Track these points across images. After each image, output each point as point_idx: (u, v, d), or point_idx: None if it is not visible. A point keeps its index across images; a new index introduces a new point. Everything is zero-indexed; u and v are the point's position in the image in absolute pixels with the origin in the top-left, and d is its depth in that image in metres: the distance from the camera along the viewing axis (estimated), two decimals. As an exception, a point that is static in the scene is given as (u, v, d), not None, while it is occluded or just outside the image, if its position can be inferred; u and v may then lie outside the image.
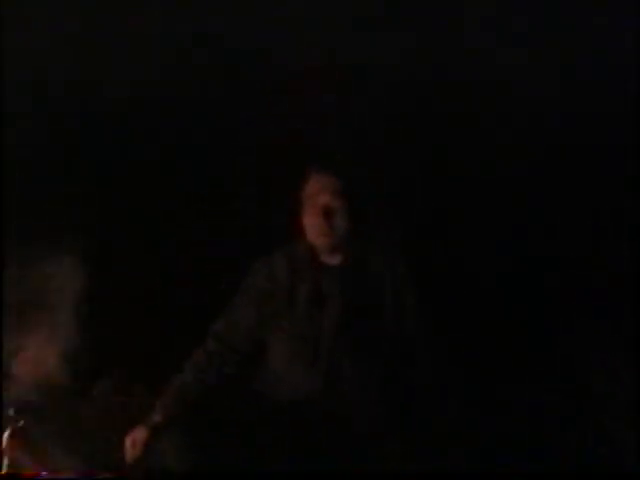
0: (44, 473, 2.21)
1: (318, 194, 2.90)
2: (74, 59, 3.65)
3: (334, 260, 2.97)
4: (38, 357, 2.75)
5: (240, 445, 2.76)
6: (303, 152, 3.31)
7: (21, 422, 2.58)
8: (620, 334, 2.98)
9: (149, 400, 2.93)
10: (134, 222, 3.76)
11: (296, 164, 3.00)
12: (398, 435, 2.83)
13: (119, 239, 3.73)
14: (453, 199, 3.75)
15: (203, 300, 3.33)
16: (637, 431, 2.48)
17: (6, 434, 2.52)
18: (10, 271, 2.87)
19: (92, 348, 2.84)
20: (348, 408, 2.88)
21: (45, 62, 3.58)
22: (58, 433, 2.64)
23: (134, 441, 2.82)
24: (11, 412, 2.62)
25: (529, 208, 3.69)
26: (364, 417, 2.88)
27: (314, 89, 3.73)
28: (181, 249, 3.78)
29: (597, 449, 2.53)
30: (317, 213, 2.90)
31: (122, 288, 3.68)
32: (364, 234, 2.95)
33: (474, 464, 2.76)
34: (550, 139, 3.68)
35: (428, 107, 3.78)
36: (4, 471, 2.36)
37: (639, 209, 3.26)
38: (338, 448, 2.82)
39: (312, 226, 2.92)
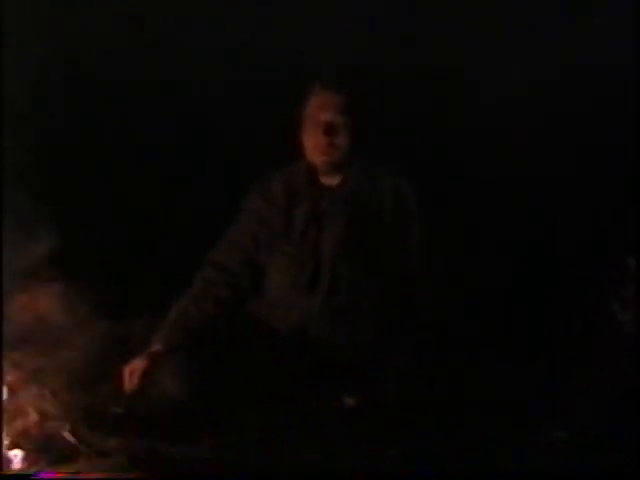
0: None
1: (320, 111, 2.83)
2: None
3: (333, 181, 2.90)
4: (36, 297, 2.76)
5: (238, 371, 2.74)
6: (304, 70, 3.23)
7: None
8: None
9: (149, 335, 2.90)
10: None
11: (297, 82, 2.94)
12: (389, 365, 2.79)
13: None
14: (457, 117, 3.67)
15: (203, 230, 3.22)
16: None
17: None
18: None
19: (91, 287, 2.85)
20: (343, 333, 2.84)
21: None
22: (58, 369, 2.64)
23: (132, 370, 2.79)
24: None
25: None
26: (358, 344, 2.83)
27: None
28: (181, 173, 3.75)
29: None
30: (318, 131, 2.82)
31: (122, 217, 3.66)
32: (365, 154, 2.88)
33: (469, 397, 2.73)
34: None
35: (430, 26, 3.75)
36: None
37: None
38: (331, 373, 2.80)
39: (312, 144, 2.85)
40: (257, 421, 2.66)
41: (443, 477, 2.40)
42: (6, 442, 2.42)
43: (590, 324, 2.98)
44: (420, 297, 2.87)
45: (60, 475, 2.27)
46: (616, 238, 3.05)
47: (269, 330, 2.89)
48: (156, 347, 2.85)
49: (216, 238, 3.01)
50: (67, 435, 2.54)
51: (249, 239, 2.95)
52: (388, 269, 2.88)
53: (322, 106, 2.84)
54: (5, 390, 2.54)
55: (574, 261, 3.42)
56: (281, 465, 2.46)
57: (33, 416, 2.55)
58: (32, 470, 2.36)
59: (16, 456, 2.39)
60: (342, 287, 2.85)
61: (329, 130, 2.82)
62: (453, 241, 2.97)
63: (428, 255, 2.88)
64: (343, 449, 2.53)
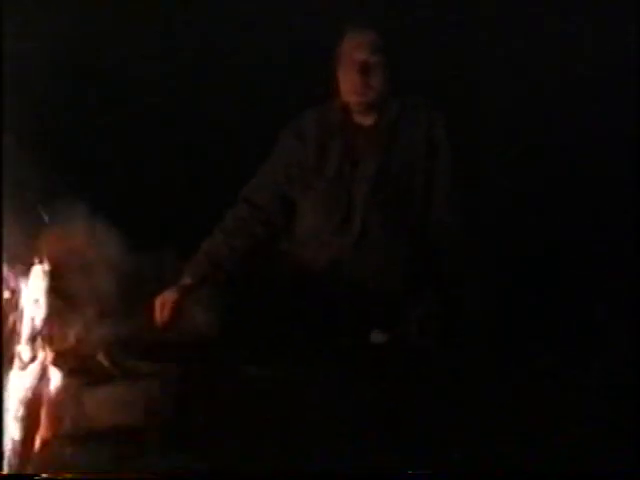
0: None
1: (355, 50, 2.82)
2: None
3: (368, 120, 2.91)
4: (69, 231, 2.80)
5: (269, 307, 2.78)
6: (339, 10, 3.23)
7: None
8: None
9: (180, 265, 2.94)
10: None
11: (330, 22, 2.96)
12: (419, 307, 2.83)
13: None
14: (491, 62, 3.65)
15: (235, 163, 3.31)
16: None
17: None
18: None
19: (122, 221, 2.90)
20: (378, 274, 2.87)
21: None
22: (92, 299, 2.69)
23: (163, 302, 2.84)
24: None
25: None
26: (388, 284, 2.86)
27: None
28: (214, 109, 3.71)
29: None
30: (353, 70, 2.82)
31: (154, 152, 3.66)
32: (400, 94, 2.88)
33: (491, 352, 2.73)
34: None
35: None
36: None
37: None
38: (361, 311, 2.83)
39: (347, 83, 2.85)
40: (289, 354, 2.69)
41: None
42: (47, 361, 2.47)
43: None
44: (447, 246, 2.90)
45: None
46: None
47: (300, 267, 2.92)
48: (187, 280, 2.89)
49: (250, 174, 3.02)
50: (101, 358, 2.61)
51: (282, 176, 2.97)
52: (420, 211, 2.90)
53: (356, 45, 2.84)
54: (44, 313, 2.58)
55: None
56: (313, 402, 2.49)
57: (70, 339, 2.60)
58: (69, 391, 2.41)
59: (54, 375, 2.44)
60: (374, 226, 2.87)
61: (364, 69, 2.82)
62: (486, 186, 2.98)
63: (457, 199, 2.91)
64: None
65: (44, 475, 2.16)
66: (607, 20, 3.48)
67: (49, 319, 2.52)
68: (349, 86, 2.86)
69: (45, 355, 2.37)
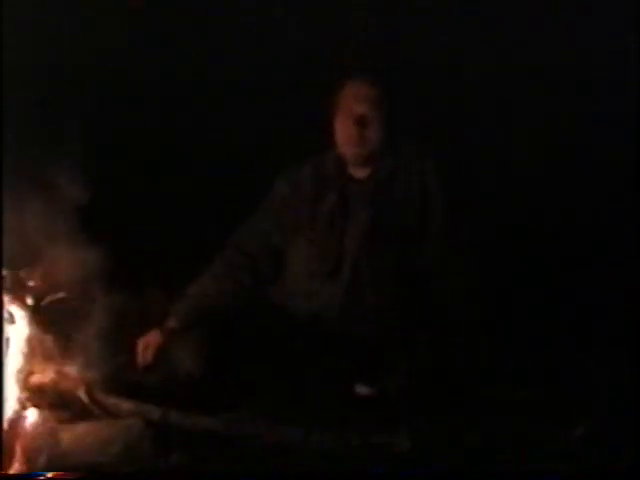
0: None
1: (353, 103, 2.84)
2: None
3: (363, 173, 2.91)
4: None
5: (254, 355, 2.74)
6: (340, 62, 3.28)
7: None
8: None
9: (165, 306, 2.93)
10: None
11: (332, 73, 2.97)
12: (413, 356, 2.79)
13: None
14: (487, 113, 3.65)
15: (226, 209, 3.29)
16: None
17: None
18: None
19: (105, 254, 2.86)
20: (366, 325, 2.83)
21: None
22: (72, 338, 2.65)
23: (147, 344, 2.81)
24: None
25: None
26: (375, 336, 2.82)
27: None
28: (204, 157, 3.70)
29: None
30: (350, 122, 2.83)
31: (139, 193, 3.65)
32: (395, 148, 2.89)
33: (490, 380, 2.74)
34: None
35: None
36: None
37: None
38: (347, 362, 2.79)
39: (344, 135, 2.86)
40: (270, 401, 2.65)
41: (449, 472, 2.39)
42: (22, 397, 2.43)
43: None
44: (437, 295, 2.87)
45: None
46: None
47: (288, 316, 2.89)
48: (172, 323, 2.87)
49: (240, 221, 3.02)
50: (82, 395, 2.56)
51: (273, 225, 2.97)
52: (410, 264, 2.88)
53: (355, 97, 2.85)
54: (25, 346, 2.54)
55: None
56: (291, 443, 2.46)
57: (50, 375, 2.56)
58: (47, 426, 2.36)
59: (32, 413, 2.39)
60: (363, 278, 2.85)
61: (361, 122, 2.83)
62: (482, 238, 2.98)
63: (447, 253, 2.88)
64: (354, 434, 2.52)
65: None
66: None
67: (31, 352, 2.50)
68: (346, 138, 2.87)
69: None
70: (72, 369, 2.62)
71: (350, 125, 2.84)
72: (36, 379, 2.53)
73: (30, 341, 2.54)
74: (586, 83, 3.57)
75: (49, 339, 2.63)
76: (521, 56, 3.62)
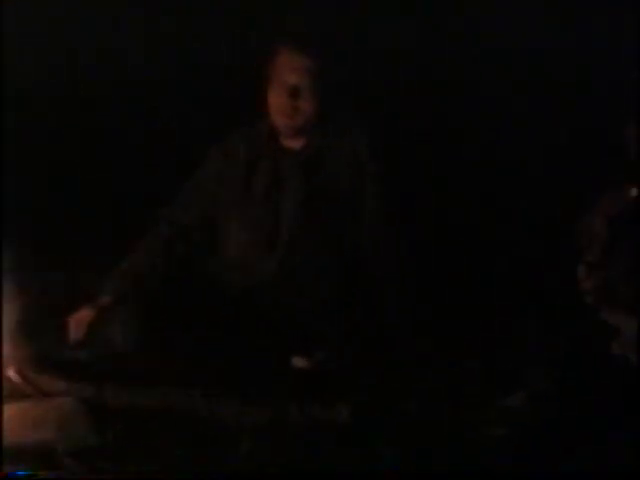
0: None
1: (286, 73, 2.80)
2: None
3: (296, 144, 2.88)
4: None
5: (189, 329, 2.71)
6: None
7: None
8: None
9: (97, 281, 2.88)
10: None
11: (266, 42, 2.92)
12: (344, 331, 2.80)
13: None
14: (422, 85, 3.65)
15: (159, 184, 3.20)
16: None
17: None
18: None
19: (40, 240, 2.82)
20: (300, 298, 2.83)
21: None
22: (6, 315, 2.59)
23: (78, 320, 2.76)
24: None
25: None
26: (311, 308, 2.82)
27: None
28: (136, 126, 3.68)
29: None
30: (283, 92, 2.80)
31: (74, 168, 3.60)
32: (329, 119, 2.87)
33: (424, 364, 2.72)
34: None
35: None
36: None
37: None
38: (284, 337, 2.78)
39: (276, 105, 2.82)
40: (206, 375, 2.62)
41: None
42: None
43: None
44: (371, 269, 2.88)
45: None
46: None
47: (223, 289, 2.86)
48: (105, 298, 2.81)
49: (173, 191, 2.98)
50: (13, 375, 2.51)
51: (207, 196, 2.93)
52: (344, 235, 2.88)
53: (289, 67, 2.82)
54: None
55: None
56: (227, 418, 2.44)
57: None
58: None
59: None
60: (299, 250, 2.84)
61: (294, 93, 2.80)
62: (415, 209, 2.99)
63: (381, 224, 2.89)
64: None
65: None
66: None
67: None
68: (278, 108, 2.84)
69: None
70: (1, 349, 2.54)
71: (282, 95, 2.81)
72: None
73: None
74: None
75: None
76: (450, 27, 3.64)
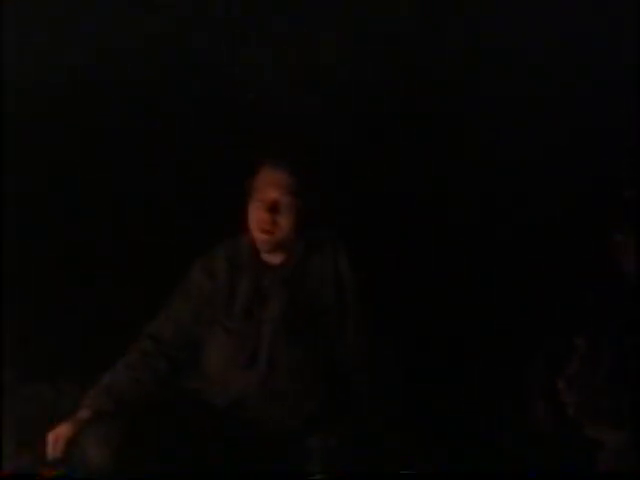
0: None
1: (266, 188, 2.83)
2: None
3: (275, 259, 2.90)
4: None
5: (169, 444, 2.67)
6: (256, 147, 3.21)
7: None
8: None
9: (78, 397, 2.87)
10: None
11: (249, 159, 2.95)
12: (331, 439, 2.79)
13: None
14: (401, 200, 3.67)
15: (141, 298, 3.28)
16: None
17: None
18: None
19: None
20: (284, 410, 2.82)
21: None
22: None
23: (57, 437, 2.73)
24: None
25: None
26: (293, 424, 2.82)
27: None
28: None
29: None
30: (263, 207, 2.83)
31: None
32: (308, 234, 2.90)
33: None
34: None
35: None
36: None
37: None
38: (271, 450, 2.77)
39: (256, 220, 2.85)
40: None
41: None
42: None
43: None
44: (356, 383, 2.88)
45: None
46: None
47: (205, 404, 2.85)
48: (84, 413, 2.79)
49: (151, 308, 3.00)
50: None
51: (189, 313, 2.94)
52: (326, 352, 2.88)
53: (269, 183, 2.85)
54: None
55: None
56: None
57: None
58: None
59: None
60: (280, 367, 2.83)
61: (273, 208, 2.82)
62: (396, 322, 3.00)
63: (364, 340, 2.89)
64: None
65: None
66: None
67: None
68: (257, 223, 2.86)
69: None
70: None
71: (262, 210, 2.83)
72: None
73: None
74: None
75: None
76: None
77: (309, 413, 2.83)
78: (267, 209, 2.82)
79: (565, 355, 2.66)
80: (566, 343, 2.67)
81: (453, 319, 3.50)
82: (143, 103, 3.70)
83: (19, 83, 3.46)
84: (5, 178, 3.33)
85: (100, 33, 3.62)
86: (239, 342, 2.85)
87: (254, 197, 2.86)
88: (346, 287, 2.89)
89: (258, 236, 2.86)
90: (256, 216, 2.85)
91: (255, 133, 3.41)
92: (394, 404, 2.86)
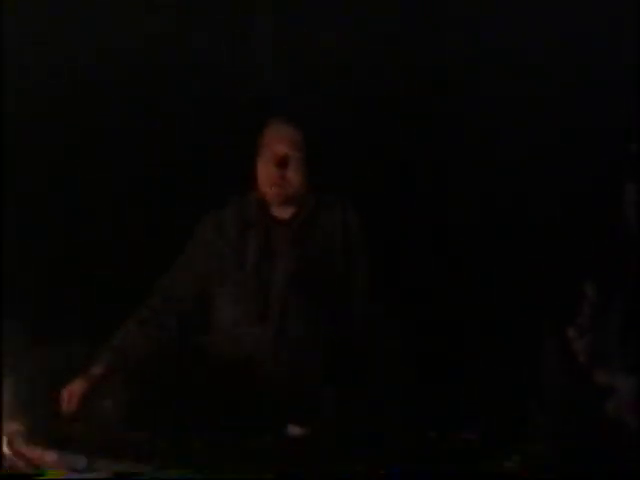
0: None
1: (274, 144, 2.85)
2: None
3: (285, 213, 2.91)
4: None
5: (182, 400, 2.66)
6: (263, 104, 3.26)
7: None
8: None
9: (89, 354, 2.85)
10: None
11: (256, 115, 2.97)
12: (337, 397, 2.76)
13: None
14: (411, 153, 3.69)
15: (151, 253, 3.27)
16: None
17: None
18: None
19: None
20: (294, 367, 2.81)
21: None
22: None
23: (71, 393, 2.74)
24: None
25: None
26: (305, 376, 2.81)
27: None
28: (135, 199, 3.69)
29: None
30: (272, 162, 2.84)
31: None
32: (317, 188, 2.91)
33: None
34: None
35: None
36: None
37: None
38: (282, 406, 2.76)
39: (265, 175, 2.86)
40: (200, 445, 2.59)
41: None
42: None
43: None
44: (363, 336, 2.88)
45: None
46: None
47: (216, 360, 2.83)
48: (97, 369, 2.80)
49: (164, 266, 2.99)
50: (4, 447, 2.48)
51: (199, 269, 2.94)
52: (335, 305, 2.88)
53: (277, 138, 2.86)
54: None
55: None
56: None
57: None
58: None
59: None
60: (291, 320, 2.83)
61: (281, 163, 2.84)
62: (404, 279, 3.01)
63: (377, 290, 2.91)
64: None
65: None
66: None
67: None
68: (266, 178, 2.87)
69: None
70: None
71: (271, 165, 2.84)
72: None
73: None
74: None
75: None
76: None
77: (315, 366, 2.82)
78: (277, 164, 2.83)
79: (575, 304, 2.67)
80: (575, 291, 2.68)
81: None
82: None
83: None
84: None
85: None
86: (249, 296, 2.85)
87: (262, 153, 2.88)
88: (354, 248, 2.90)
89: (268, 191, 2.87)
90: (265, 172, 2.86)
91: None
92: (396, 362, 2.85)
